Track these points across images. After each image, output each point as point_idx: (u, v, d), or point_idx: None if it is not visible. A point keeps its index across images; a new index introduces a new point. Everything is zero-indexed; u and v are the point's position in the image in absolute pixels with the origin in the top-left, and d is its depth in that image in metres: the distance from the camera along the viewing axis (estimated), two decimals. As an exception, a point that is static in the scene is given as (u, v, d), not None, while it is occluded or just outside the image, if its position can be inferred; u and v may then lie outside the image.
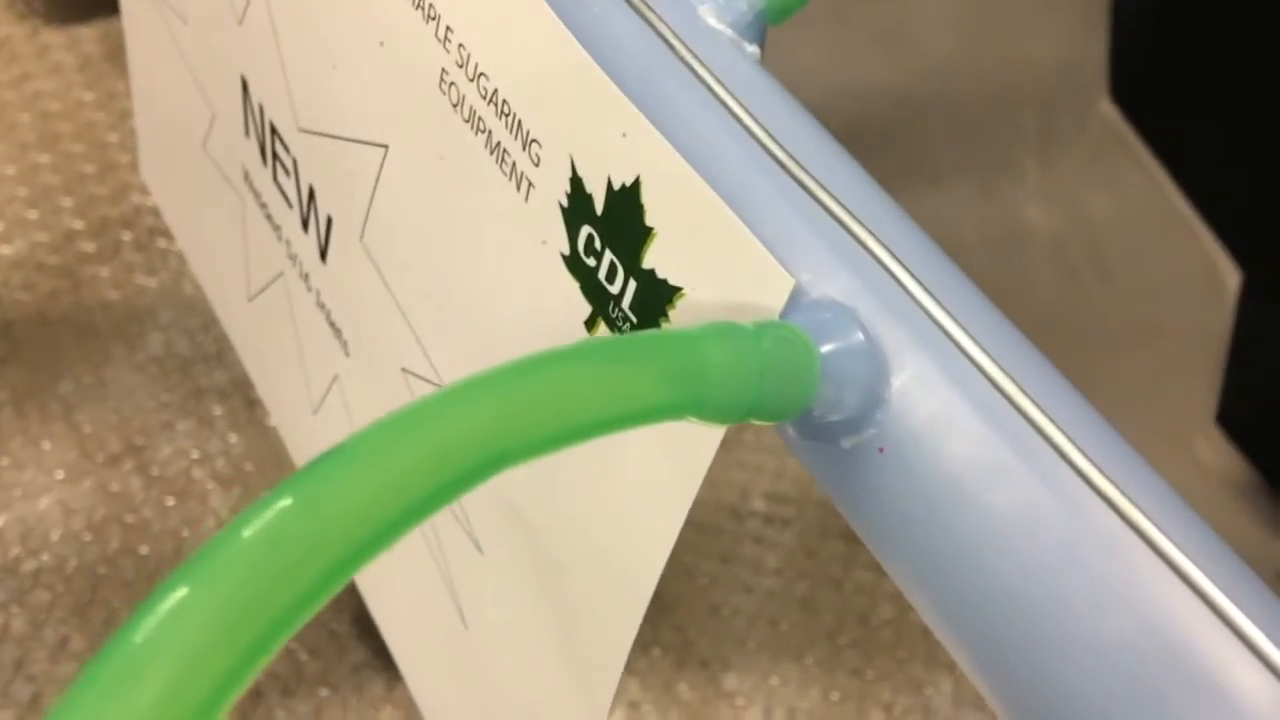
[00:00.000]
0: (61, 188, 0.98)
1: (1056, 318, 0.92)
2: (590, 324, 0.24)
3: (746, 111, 0.22)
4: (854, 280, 0.21)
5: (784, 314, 0.20)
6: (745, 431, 0.88)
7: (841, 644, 0.83)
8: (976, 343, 0.20)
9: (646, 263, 0.22)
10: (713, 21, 0.23)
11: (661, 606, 0.82)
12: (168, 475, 0.89)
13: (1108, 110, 0.90)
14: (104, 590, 0.85)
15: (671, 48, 0.22)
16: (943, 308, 0.20)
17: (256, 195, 0.37)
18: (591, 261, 0.23)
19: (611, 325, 0.23)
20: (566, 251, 0.24)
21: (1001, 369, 0.20)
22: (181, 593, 0.16)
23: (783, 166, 0.21)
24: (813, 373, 0.20)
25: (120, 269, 0.95)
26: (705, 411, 0.19)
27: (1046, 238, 0.95)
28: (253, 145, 0.36)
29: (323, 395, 0.37)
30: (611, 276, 0.23)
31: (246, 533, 0.16)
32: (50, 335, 0.92)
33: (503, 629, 0.31)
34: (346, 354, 0.35)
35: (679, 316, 0.22)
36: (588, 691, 0.28)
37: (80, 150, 1.00)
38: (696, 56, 0.22)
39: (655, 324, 0.22)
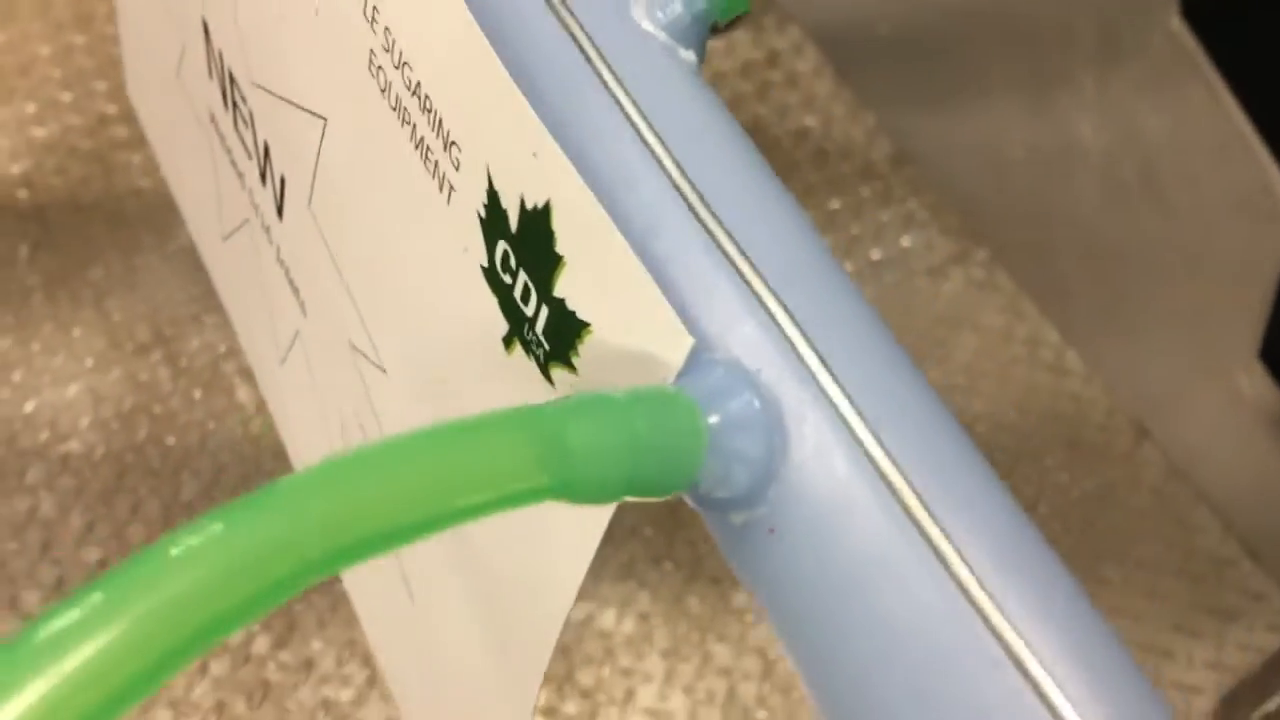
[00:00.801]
0: (95, 71, 0.97)
1: (1102, 239, 0.90)
2: (508, 343, 0.23)
3: (658, 138, 0.20)
4: (760, 340, 0.19)
5: (682, 372, 0.19)
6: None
7: (855, 570, 0.83)
8: (868, 427, 0.18)
9: (558, 291, 0.21)
10: (646, 25, 0.21)
11: (677, 521, 0.82)
12: (195, 367, 0.89)
13: (1177, 27, 0.86)
14: (130, 479, 0.86)
15: (588, 58, 0.21)
16: (837, 383, 0.19)
17: (221, 138, 0.36)
18: (508, 279, 0.22)
19: (527, 348, 0.22)
20: (485, 264, 0.23)
21: (891, 458, 0.18)
22: (97, 599, 0.16)
23: (690, 207, 0.20)
24: (698, 446, 0.18)
25: (151, 157, 0.94)
26: (571, 495, 0.18)
27: (1098, 156, 0.91)
28: (215, 88, 0.35)
29: (287, 348, 0.36)
30: (526, 298, 0.22)
31: (173, 552, 0.17)
32: (82, 221, 0.92)
33: (441, 612, 0.30)
34: (304, 314, 0.34)
35: (587, 353, 0.21)
36: (517, 688, 0.27)
37: (114, 32, 0.98)
38: (611, 69, 0.21)
39: (565, 357, 0.21)
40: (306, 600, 0.83)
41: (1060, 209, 0.92)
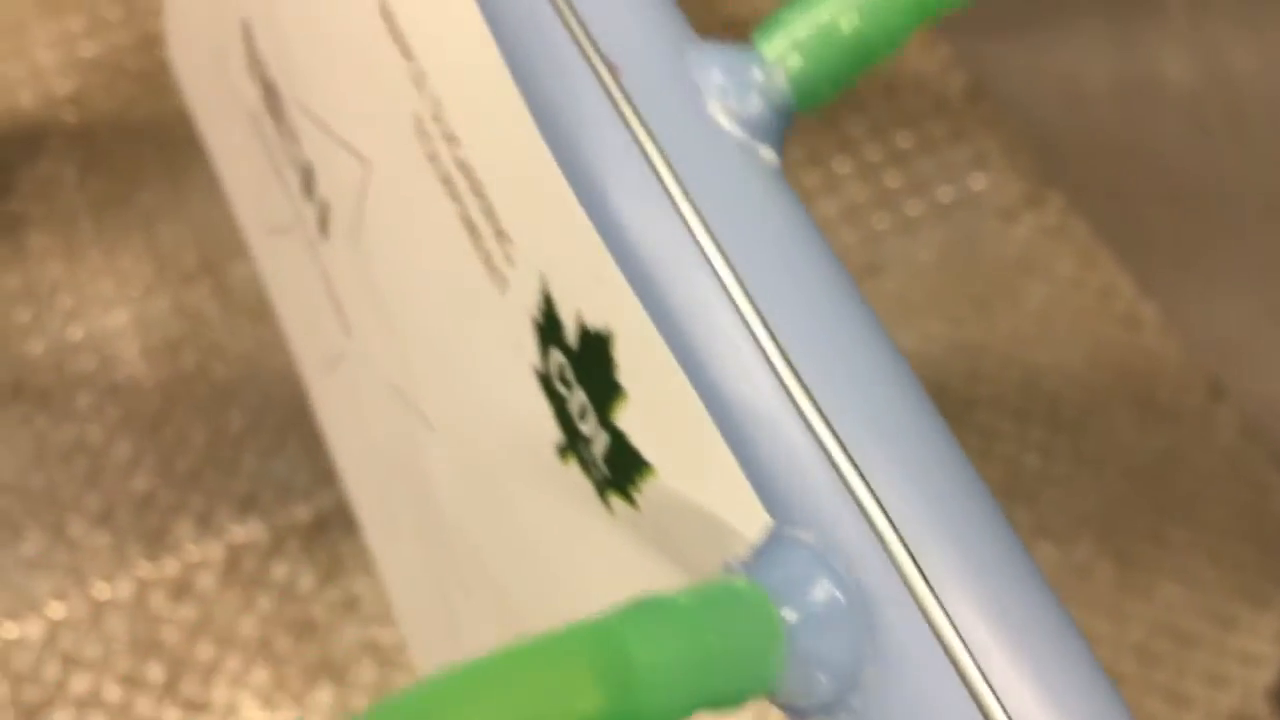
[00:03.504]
0: (144, -14, 0.95)
1: (1183, 182, 0.86)
2: (563, 454, 0.20)
3: (731, 270, 0.17)
4: (843, 519, 0.16)
5: (756, 553, 0.17)
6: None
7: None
8: (962, 639, 0.16)
9: (618, 421, 0.18)
10: (723, 122, 0.19)
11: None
12: (243, 298, 0.88)
13: (1272, -45, 0.81)
14: (177, 410, 0.85)
15: (655, 168, 0.18)
16: (929, 585, 0.16)
17: (264, 139, 0.34)
18: (563, 390, 0.20)
19: (584, 467, 0.20)
20: (539, 368, 0.20)
21: (987, 681, 0.16)
22: None
23: (765, 354, 0.17)
24: (776, 651, 0.16)
25: (201, 78, 0.92)
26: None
27: (1183, 92, 0.87)
28: (257, 91, 0.32)
29: (334, 363, 0.34)
30: (583, 416, 0.19)
31: None
32: (131, 143, 0.90)
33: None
34: (348, 335, 0.32)
35: (651, 493, 0.18)
36: None
37: (164, -53, 0.96)
38: (682, 184, 0.18)
39: (625, 490, 0.19)
40: (351, 539, 0.82)
41: (1141, 149, 0.88)
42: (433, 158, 0.22)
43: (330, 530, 0.82)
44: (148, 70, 0.92)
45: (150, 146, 0.91)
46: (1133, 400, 0.87)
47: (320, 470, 0.80)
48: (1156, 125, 0.88)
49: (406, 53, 0.22)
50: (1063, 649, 0.17)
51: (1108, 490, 0.83)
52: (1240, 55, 0.85)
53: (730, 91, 0.19)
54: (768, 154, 0.19)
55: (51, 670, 0.79)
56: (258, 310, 0.87)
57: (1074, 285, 0.89)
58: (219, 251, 0.89)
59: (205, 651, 0.79)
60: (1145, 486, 0.84)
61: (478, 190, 0.20)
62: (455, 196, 0.21)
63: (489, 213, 0.20)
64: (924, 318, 0.90)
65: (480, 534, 0.25)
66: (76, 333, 0.87)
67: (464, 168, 0.21)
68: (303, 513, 0.82)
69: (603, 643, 0.15)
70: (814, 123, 0.95)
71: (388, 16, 0.21)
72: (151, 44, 0.93)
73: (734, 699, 0.16)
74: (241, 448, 0.86)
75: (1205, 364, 0.87)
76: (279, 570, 0.82)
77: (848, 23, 0.19)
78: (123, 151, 0.91)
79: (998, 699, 0.15)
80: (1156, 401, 0.87)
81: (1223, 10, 0.82)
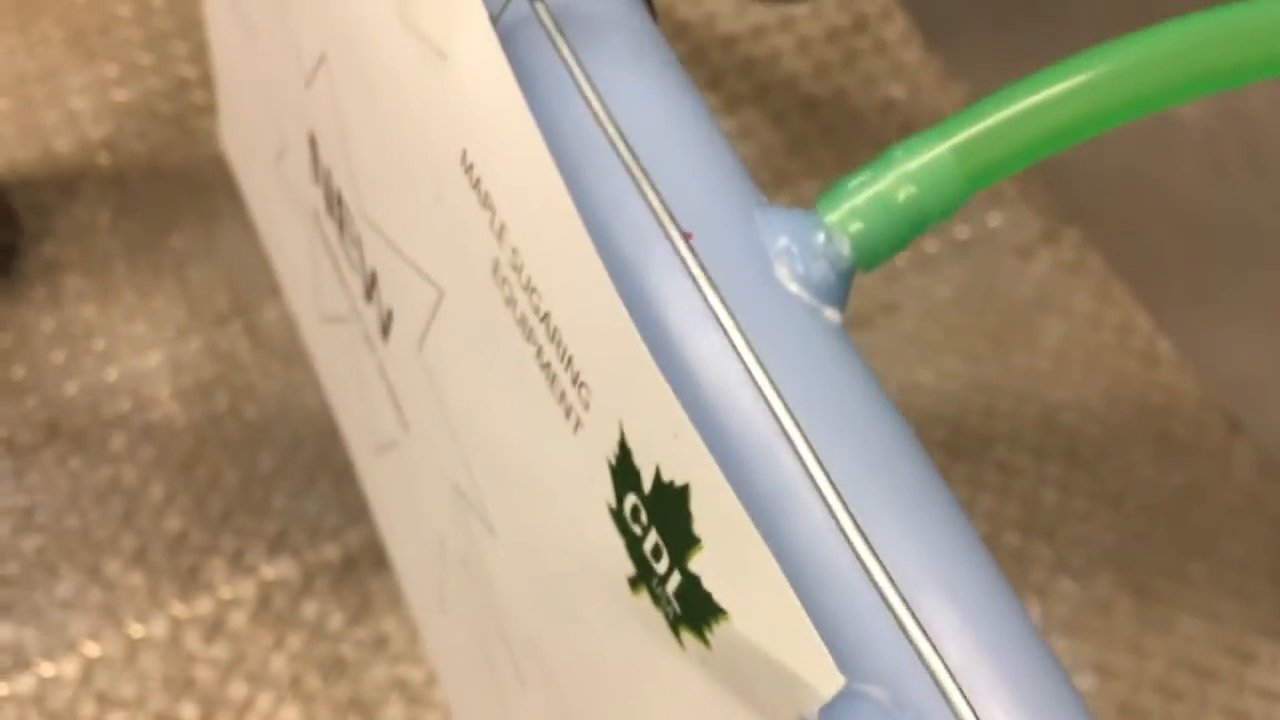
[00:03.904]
0: (175, 31, 0.96)
1: (1202, 217, 0.87)
2: (634, 585, 0.22)
3: (802, 436, 0.19)
4: (907, 676, 0.18)
5: (829, 708, 0.18)
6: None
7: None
8: None
9: (693, 566, 0.20)
10: (791, 287, 0.20)
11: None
12: (274, 339, 0.89)
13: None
14: (209, 450, 0.87)
15: (726, 331, 0.19)
16: None
17: (324, 238, 0.35)
18: (637, 530, 0.21)
19: (655, 600, 0.21)
20: (613, 506, 0.22)
21: None
22: None
23: (835, 519, 0.18)
24: None
25: (231, 123, 0.93)
26: None
27: (1198, 128, 0.88)
28: (320, 195, 0.34)
29: (384, 448, 0.36)
30: (657, 555, 0.21)
31: None
32: (163, 187, 0.92)
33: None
34: (405, 429, 0.33)
35: (723, 635, 0.20)
36: None
37: (194, -8, 0.97)
38: (751, 347, 0.19)
39: (698, 628, 0.20)
40: (380, 578, 0.84)
41: (1157, 185, 0.90)
42: (510, 301, 0.23)
43: (359, 569, 0.84)
44: (180, 115, 0.94)
45: (182, 190, 0.92)
46: (1151, 436, 0.88)
47: (349, 510, 0.82)
48: (1172, 161, 0.89)
49: (486, 204, 0.23)
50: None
51: (1127, 526, 0.84)
52: (1255, 91, 0.86)
53: (795, 255, 0.20)
54: (830, 314, 0.20)
55: (87, 709, 0.80)
56: (288, 352, 0.88)
57: (1091, 321, 0.91)
58: (250, 293, 0.90)
59: (238, 690, 0.81)
60: (1164, 522, 0.85)
61: (555, 338, 0.22)
62: (531, 339, 0.23)
63: (566, 360, 0.22)
64: (942, 354, 0.91)
65: (541, 633, 0.27)
66: (110, 374, 0.89)
67: (542, 316, 0.22)
68: (332, 551, 0.83)
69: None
70: (834, 161, 0.96)
71: (469, 168, 0.23)
72: (183, 89, 0.94)
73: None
74: (272, 487, 0.87)
75: (1222, 400, 0.88)
76: (309, 609, 0.83)
77: (905, 192, 0.20)
78: (155, 195, 0.92)
79: None
80: (1174, 437, 0.88)
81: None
